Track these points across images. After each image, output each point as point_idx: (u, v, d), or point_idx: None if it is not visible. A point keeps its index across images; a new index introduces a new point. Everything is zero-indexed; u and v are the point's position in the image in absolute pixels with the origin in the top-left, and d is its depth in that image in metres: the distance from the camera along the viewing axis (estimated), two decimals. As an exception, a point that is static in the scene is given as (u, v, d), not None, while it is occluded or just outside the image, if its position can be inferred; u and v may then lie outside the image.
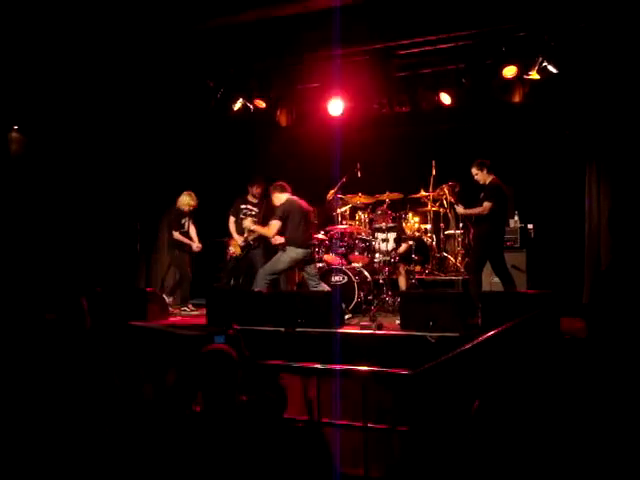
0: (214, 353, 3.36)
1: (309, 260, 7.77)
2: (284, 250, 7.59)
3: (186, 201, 8.86)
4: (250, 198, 9.02)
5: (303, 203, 7.86)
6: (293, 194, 7.84)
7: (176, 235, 8.81)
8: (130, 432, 3.80)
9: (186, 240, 8.84)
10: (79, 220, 9.19)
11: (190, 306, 8.84)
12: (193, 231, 9.01)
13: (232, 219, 8.93)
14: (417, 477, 4.32)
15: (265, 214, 8.80)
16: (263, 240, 8.66)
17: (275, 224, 7.56)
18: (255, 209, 8.96)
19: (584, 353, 4.50)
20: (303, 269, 7.90)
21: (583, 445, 3.89)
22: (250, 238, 8.72)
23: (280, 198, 7.71)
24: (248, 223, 8.30)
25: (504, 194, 7.46)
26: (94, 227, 9.37)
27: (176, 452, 3.17)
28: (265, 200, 8.91)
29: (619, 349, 4.28)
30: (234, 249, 8.83)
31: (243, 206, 8.94)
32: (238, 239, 8.81)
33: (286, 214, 7.57)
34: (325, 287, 7.79)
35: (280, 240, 7.65)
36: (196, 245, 8.90)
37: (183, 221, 8.92)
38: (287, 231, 7.62)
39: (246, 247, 8.76)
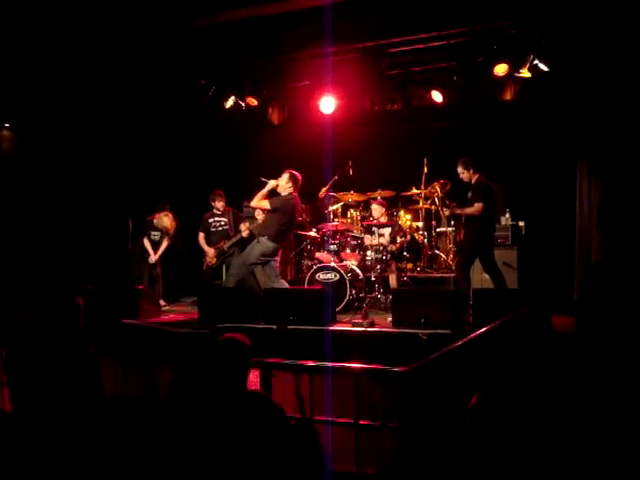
0: (229, 342, 3.42)
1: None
2: (258, 241, 7.65)
3: (162, 222, 9.24)
4: (216, 210, 9.23)
5: (299, 205, 7.87)
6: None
7: (145, 242, 9.28)
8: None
9: (149, 248, 9.24)
10: (70, 218, 9.18)
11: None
12: (164, 245, 9.34)
13: (202, 235, 9.17)
14: (411, 474, 4.33)
15: (235, 223, 9.11)
16: (237, 246, 8.87)
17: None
18: (224, 219, 9.19)
19: (573, 349, 4.53)
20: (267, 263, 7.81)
21: (576, 442, 3.91)
22: (226, 246, 8.88)
23: (285, 189, 7.64)
24: (244, 227, 8.57)
25: (492, 192, 7.49)
26: (86, 225, 9.36)
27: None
28: (232, 210, 9.26)
29: (608, 344, 4.30)
30: (210, 260, 8.99)
31: (211, 220, 9.18)
32: (209, 252, 9.02)
33: (281, 208, 7.57)
34: (284, 284, 7.86)
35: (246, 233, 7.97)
36: (152, 257, 9.21)
37: (154, 235, 9.31)
38: (272, 223, 7.62)
39: (221, 255, 8.93)
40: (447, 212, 8.33)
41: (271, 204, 7.56)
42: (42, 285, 8.09)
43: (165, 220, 9.18)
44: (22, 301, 7.05)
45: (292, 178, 7.61)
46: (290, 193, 7.61)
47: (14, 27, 7.58)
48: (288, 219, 7.62)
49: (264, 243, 7.56)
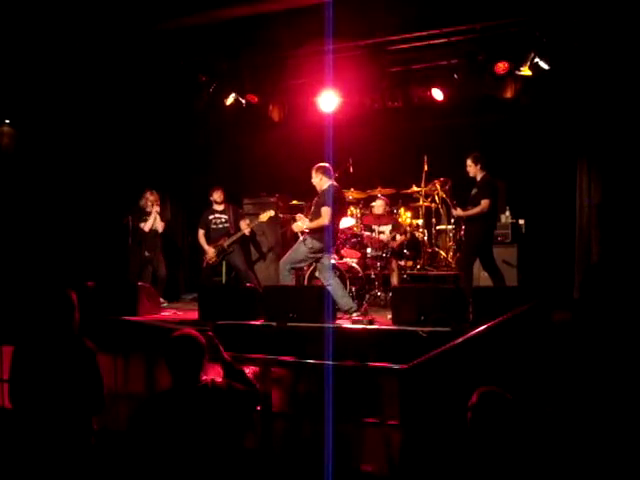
0: (183, 337, 3.51)
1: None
2: (304, 240, 7.24)
3: (145, 196, 9.22)
4: (216, 207, 9.14)
5: (343, 191, 7.60)
6: (336, 180, 7.47)
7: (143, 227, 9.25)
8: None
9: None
10: (70, 214, 9.18)
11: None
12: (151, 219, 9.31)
13: (201, 232, 9.11)
14: (414, 470, 4.34)
15: (235, 220, 9.01)
16: (238, 244, 8.88)
17: (327, 211, 7.07)
18: (224, 216, 9.11)
19: (573, 346, 4.53)
20: (319, 259, 7.36)
21: (576, 438, 3.91)
22: (226, 244, 8.83)
23: (324, 182, 7.31)
24: (298, 226, 7.57)
25: (497, 191, 7.49)
26: (85, 221, 9.35)
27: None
28: (232, 207, 9.18)
29: (608, 341, 4.31)
30: (210, 257, 8.92)
31: (211, 217, 9.10)
32: (209, 250, 8.97)
33: (333, 201, 7.13)
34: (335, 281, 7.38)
35: (300, 228, 7.44)
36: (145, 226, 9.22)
37: (145, 217, 9.22)
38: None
39: (221, 253, 8.88)
40: (456, 213, 8.04)
41: (320, 204, 7.18)
42: (41, 281, 8.08)
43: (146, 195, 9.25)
44: (21, 297, 7.05)
45: (320, 170, 7.35)
46: (331, 184, 7.29)
47: (13, 23, 7.58)
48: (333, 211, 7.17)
49: (311, 241, 7.15)
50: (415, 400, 4.51)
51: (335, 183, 7.36)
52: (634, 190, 7.70)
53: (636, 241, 7.43)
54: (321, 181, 7.32)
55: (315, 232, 7.14)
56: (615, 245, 7.80)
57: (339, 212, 7.43)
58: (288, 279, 7.21)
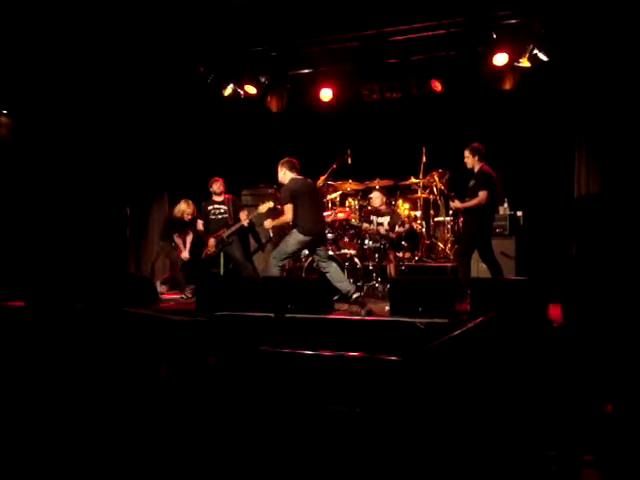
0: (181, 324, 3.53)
1: (319, 241, 7.34)
2: (290, 233, 7.26)
3: (182, 208, 9.08)
4: (215, 198, 9.10)
5: (310, 182, 7.53)
6: (300, 173, 7.37)
7: (176, 238, 9.15)
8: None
9: (180, 244, 9.14)
10: (68, 205, 9.17)
11: (188, 292, 8.93)
12: (189, 239, 9.21)
13: (200, 222, 9.08)
14: (408, 464, 4.35)
15: (234, 211, 8.99)
16: (237, 235, 8.88)
17: (288, 208, 7.09)
18: (223, 207, 9.07)
19: (563, 337, 4.54)
20: (314, 251, 7.43)
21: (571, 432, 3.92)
22: (225, 235, 8.82)
23: (286, 177, 7.28)
24: (267, 224, 7.63)
25: (494, 182, 7.47)
26: (83, 212, 9.35)
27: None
28: (231, 198, 9.16)
29: (594, 331, 4.32)
30: (209, 249, 8.94)
31: (210, 207, 9.06)
32: (210, 241, 8.95)
33: (293, 195, 7.12)
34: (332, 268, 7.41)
35: (270, 225, 7.53)
36: (184, 255, 9.08)
37: (181, 229, 9.17)
38: (295, 214, 7.18)
39: (220, 244, 8.87)
40: (454, 205, 7.99)
41: (281, 202, 7.24)
42: (39, 272, 8.08)
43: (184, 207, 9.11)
44: (18, 287, 7.06)
45: (284, 164, 7.30)
46: (292, 178, 7.25)
47: (12, 13, 7.55)
48: (306, 203, 7.16)
49: (297, 233, 7.14)
50: (410, 393, 4.52)
51: (299, 176, 7.32)
52: (633, 181, 7.69)
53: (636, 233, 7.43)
54: (284, 175, 7.32)
55: (296, 225, 7.15)
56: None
57: (312, 202, 7.31)
58: (275, 272, 7.22)
